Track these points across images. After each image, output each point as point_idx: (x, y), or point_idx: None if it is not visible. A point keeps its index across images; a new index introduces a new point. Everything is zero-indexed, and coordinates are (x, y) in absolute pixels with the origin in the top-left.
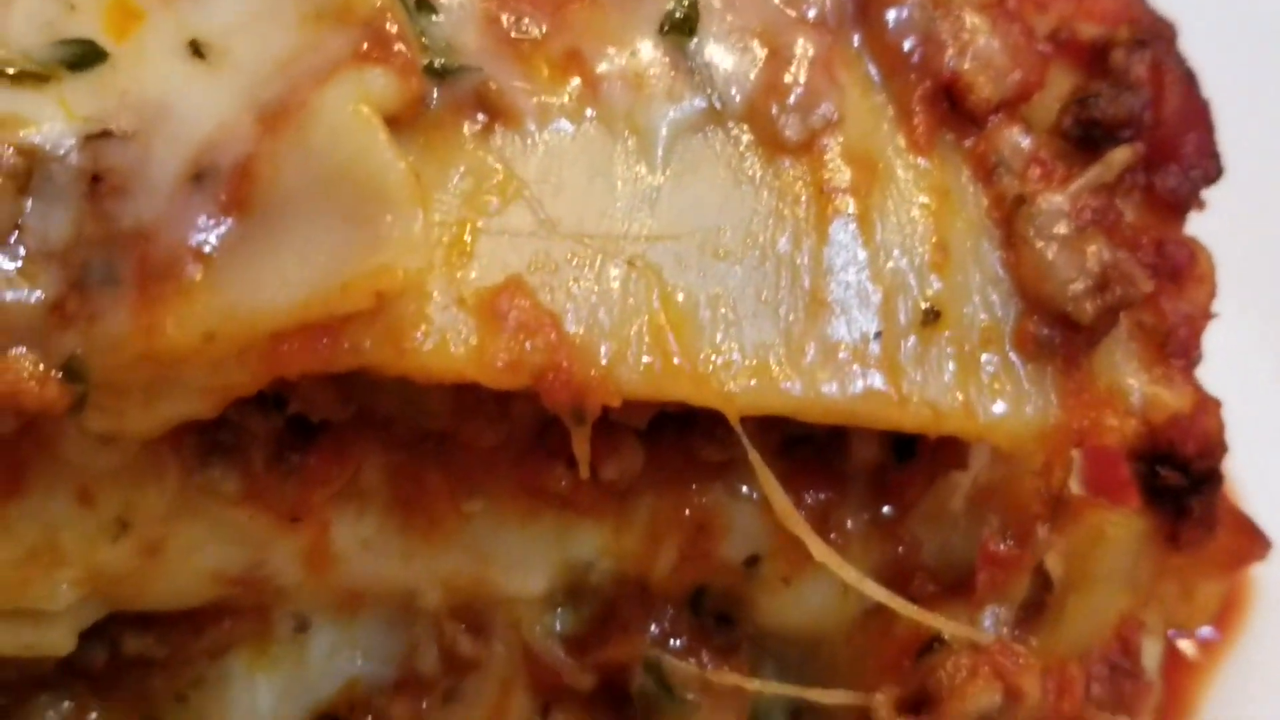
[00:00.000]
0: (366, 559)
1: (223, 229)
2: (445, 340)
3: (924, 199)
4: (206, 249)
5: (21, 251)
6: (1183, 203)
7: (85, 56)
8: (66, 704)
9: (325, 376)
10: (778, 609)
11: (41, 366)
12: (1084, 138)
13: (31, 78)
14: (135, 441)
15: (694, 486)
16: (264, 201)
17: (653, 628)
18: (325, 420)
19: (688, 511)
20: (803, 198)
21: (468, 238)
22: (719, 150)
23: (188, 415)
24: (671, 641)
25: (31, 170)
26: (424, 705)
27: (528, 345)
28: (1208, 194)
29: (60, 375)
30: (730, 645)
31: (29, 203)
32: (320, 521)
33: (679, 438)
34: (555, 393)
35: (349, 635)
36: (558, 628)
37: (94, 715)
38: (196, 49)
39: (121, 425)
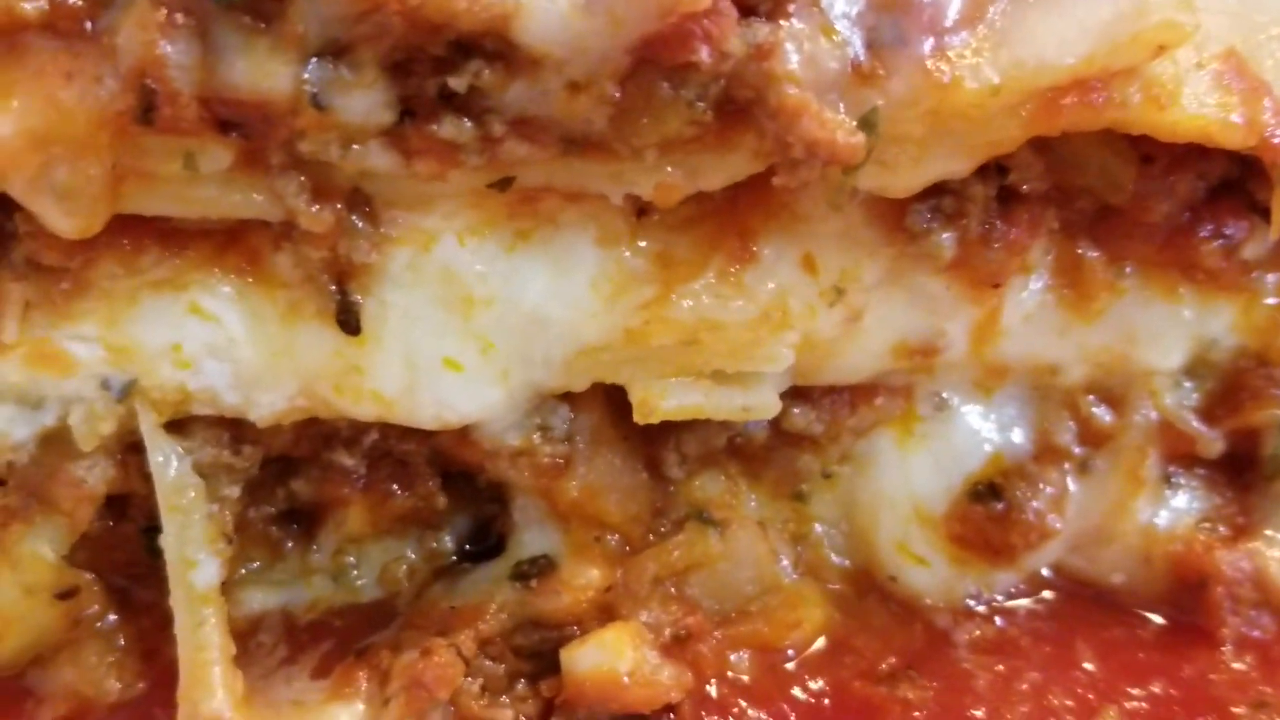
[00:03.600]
0: (1026, 333)
1: None
2: (1195, 98)
3: None
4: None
5: (829, 16)
6: None
7: None
8: (722, 481)
9: (1038, 149)
10: None
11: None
12: None
13: None
14: (859, 209)
15: None
16: None
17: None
18: (1023, 193)
19: None
20: None
21: None
22: None
23: (946, 173)
24: None
25: None
26: (1066, 476)
27: (1259, 106)
28: None
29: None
30: None
31: None
32: (1000, 293)
33: None
34: (1277, 151)
35: (987, 412)
36: (1188, 400)
37: (744, 494)
38: None
39: (890, 181)
